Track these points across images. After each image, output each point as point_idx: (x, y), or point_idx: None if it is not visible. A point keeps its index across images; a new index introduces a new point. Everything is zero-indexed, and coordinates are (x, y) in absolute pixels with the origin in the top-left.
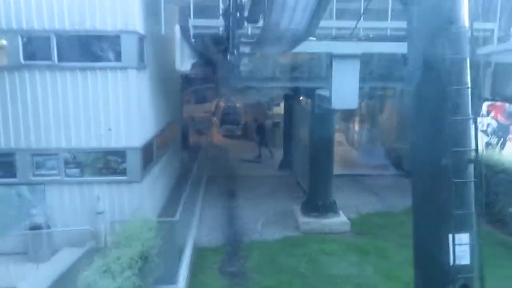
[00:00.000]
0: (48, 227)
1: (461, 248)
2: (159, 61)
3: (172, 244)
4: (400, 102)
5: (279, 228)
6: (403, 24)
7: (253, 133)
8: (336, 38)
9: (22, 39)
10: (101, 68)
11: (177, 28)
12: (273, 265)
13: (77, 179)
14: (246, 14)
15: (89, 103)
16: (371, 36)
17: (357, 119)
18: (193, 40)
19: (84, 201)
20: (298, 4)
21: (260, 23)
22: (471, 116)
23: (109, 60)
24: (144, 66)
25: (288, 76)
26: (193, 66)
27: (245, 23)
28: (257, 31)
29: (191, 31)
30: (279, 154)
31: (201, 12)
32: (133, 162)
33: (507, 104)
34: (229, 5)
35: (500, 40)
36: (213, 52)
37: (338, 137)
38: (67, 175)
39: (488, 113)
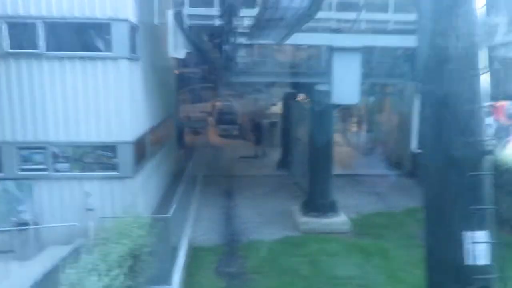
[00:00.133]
0: (36, 224)
1: (478, 247)
2: (153, 54)
3: (166, 243)
4: (399, 100)
5: (278, 228)
6: (405, 16)
7: (249, 133)
8: (336, 31)
9: (7, 26)
10: (91, 58)
11: (169, 13)
12: (273, 266)
13: (66, 174)
14: None
15: (78, 94)
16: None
17: (355, 119)
18: (187, 26)
19: (74, 198)
20: None
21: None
22: (485, 104)
23: (99, 50)
24: (136, 57)
25: (286, 71)
26: (189, 64)
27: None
28: (254, 22)
29: (186, 21)
30: (276, 154)
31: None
32: (125, 157)
33: (507, 104)
34: None
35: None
36: (209, 48)
37: (336, 137)
38: (55, 170)
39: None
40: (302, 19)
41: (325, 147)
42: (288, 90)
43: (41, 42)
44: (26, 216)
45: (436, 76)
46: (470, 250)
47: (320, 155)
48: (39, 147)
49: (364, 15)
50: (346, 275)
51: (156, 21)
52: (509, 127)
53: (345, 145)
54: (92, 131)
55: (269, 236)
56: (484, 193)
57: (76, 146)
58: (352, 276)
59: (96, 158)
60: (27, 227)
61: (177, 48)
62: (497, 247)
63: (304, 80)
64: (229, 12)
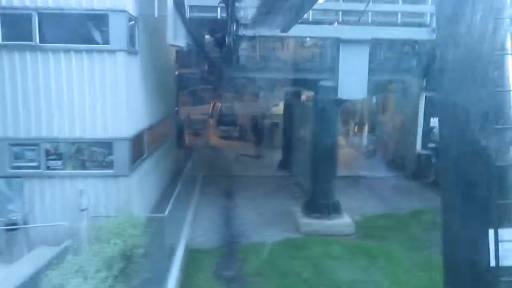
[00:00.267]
0: (26, 224)
1: (504, 246)
2: (153, 50)
3: (161, 244)
4: (404, 99)
5: (279, 230)
6: (414, 8)
7: (250, 134)
8: (343, 23)
9: (0, 17)
10: (87, 51)
11: (170, 1)
12: (274, 269)
13: (59, 172)
14: None
15: (73, 88)
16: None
17: (357, 119)
18: (188, 18)
19: (67, 197)
20: None
21: None
22: None
23: (96, 42)
24: (135, 51)
25: (290, 67)
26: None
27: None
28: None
29: (187, 12)
30: (277, 155)
31: None
32: (121, 154)
33: None
34: None
35: None
36: (210, 43)
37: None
38: (48, 168)
39: None
40: (308, 4)
41: (329, 146)
42: (291, 89)
43: (36, 33)
44: (16, 216)
45: (457, 54)
46: (496, 249)
47: (323, 154)
48: (32, 144)
49: (372, 6)
50: (350, 278)
51: (156, 14)
52: None
53: (347, 146)
54: (87, 127)
55: (270, 238)
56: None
57: (70, 142)
58: (357, 280)
59: (91, 155)
60: (15, 227)
61: (176, 36)
62: None
63: (308, 76)
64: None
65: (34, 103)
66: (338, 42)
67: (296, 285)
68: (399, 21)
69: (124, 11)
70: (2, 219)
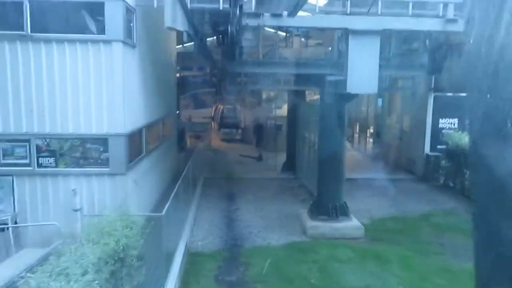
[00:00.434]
0: (16, 224)
1: None
2: (153, 46)
3: (159, 245)
4: (411, 98)
5: (284, 233)
6: None
7: (252, 136)
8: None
9: None
10: (81, 41)
11: None
12: (280, 274)
13: (51, 170)
14: None
15: (66, 80)
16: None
17: (362, 122)
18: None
19: (59, 196)
20: None
21: None
22: None
23: (91, 32)
24: (132, 43)
25: (295, 62)
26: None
27: None
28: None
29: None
30: (281, 158)
31: None
32: (117, 151)
33: None
34: None
35: None
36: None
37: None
38: (39, 165)
39: None
40: None
41: (336, 145)
42: (295, 87)
43: (27, 22)
44: (5, 216)
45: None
46: None
47: (330, 154)
48: (22, 140)
49: None
50: (361, 284)
51: (155, 4)
52: None
53: (353, 149)
54: (81, 122)
55: (274, 242)
56: None
57: (63, 138)
58: (369, 285)
59: (85, 152)
60: (3, 226)
61: (175, 19)
62: None
63: (314, 71)
64: None
65: (24, 96)
66: (347, 33)
67: None
68: (410, 13)
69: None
70: None
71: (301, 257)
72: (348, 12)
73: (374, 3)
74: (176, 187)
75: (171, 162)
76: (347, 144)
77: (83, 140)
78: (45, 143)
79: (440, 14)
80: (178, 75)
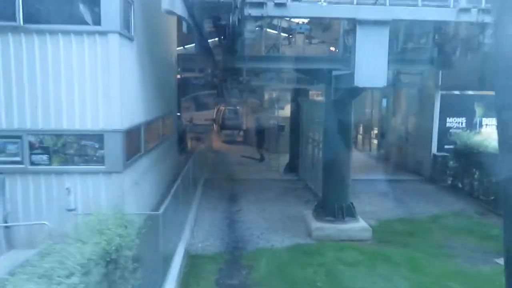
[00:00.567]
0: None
1: None
2: (152, 40)
3: (156, 246)
4: (418, 97)
5: (288, 235)
6: None
7: (254, 137)
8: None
9: None
10: (76, 32)
11: None
12: (284, 277)
13: (44, 168)
14: None
15: (60, 74)
16: None
17: (367, 122)
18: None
19: (53, 195)
20: None
21: None
22: None
23: (86, 23)
24: (130, 36)
25: (299, 57)
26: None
27: None
28: None
29: None
30: (283, 159)
31: None
32: (113, 148)
33: None
34: None
35: None
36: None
37: None
38: (32, 163)
39: None
40: None
41: (342, 143)
42: (298, 86)
43: (19, 13)
44: None
45: None
46: None
47: (336, 152)
48: (14, 136)
49: None
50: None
51: None
52: None
53: (357, 150)
54: (75, 118)
55: (278, 244)
56: None
57: (57, 135)
58: None
59: (80, 149)
60: None
61: (173, 2)
62: None
63: (319, 66)
64: None
65: (16, 90)
66: (354, 23)
67: None
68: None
69: None
70: None
71: (307, 260)
72: (355, 2)
73: None
74: (175, 185)
75: (172, 163)
76: (353, 145)
77: (78, 136)
78: (38, 139)
79: (451, 6)
80: (179, 76)
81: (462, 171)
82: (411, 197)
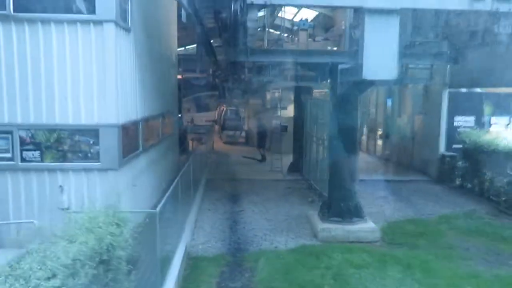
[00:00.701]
0: None
1: None
2: (151, 34)
3: (153, 247)
4: (424, 94)
5: (293, 236)
6: None
7: (255, 137)
8: None
9: None
10: (69, 21)
11: None
12: (289, 280)
13: (36, 165)
14: None
15: (53, 65)
16: None
17: (371, 123)
18: None
19: (45, 193)
20: None
21: None
22: None
23: (80, 11)
24: (127, 26)
25: (304, 51)
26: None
27: None
28: None
29: None
30: (286, 160)
31: None
32: (109, 144)
33: None
34: None
35: None
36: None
37: None
38: (23, 160)
39: None
40: None
41: (349, 141)
42: (302, 83)
43: (9, 1)
44: None
45: None
46: None
47: (342, 149)
48: (4, 131)
49: None
50: None
51: None
52: None
53: (362, 150)
54: (69, 112)
55: (282, 245)
56: None
57: (49, 129)
58: None
59: (74, 145)
60: None
61: None
62: None
63: (325, 60)
64: None
65: (6, 83)
66: (362, 12)
67: None
68: None
69: None
70: None
71: (313, 262)
72: None
73: None
74: (174, 182)
75: (172, 164)
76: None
77: (72, 131)
78: (30, 134)
79: None
80: (180, 77)
81: (471, 171)
82: (419, 197)
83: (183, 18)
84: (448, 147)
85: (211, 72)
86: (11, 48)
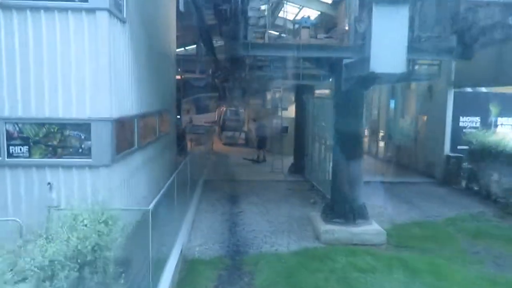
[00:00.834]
0: None
1: None
2: (148, 27)
3: (145, 247)
4: (428, 94)
5: (294, 238)
6: None
7: (255, 138)
8: None
9: None
10: (60, 9)
11: None
12: (291, 285)
13: (23, 161)
14: None
15: (42, 55)
16: None
17: (373, 124)
18: None
19: (33, 191)
20: None
21: None
22: None
23: None
24: (122, 17)
25: (307, 45)
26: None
27: None
28: None
29: None
30: (286, 161)
31: None
32: (101, 139)
33: None
34: None
35: None
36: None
37: None
38: (10, 155)
39: None
40: None
41: (354, 139)
42: (304, 81)
43: None
44: None
45: None
46: None
47: (347, 148)
48: None
49: None
50: None
51: None
52: None
53: (364, 151)
54: (59, 104)
55: (283, 248)
56: None
57: (38, 123)
58: None
59: (64, 140)
60: None
61: None
62: None
63: (329, 54)
64: None
65: None
66: (370, 1)
67: None
68: None
69: None
70: None
71: (316, 266)
72: None
73: None
74: (170, 180)
75: (170, 164)
76: None
77: (62, 125)
78: (17, 128)
79: None
80: (179, 77)
81: (478, 172)
82: (425, 199)
83: (181, 6)
84: (453, 148)
85: (210, 72)
86: None
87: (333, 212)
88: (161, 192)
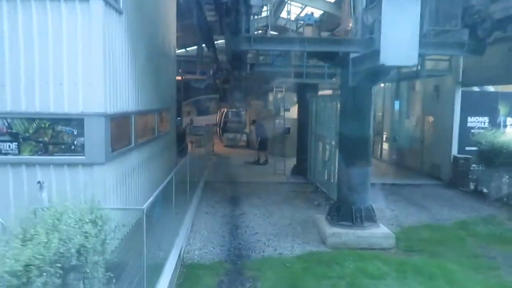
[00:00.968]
0: None
1: None
2: (146, 20)
3: (138, 250)
4: (435, 93)
5: (299, 241)
6: None
7: (256, 139)
8: None
9: None
10: None
11: None
12: None
13: (12, 158)
14: None
15: (33, 46)
16: None
17: (377, 126)
18: None
19: (23, 190)
20: None
21: None
22: None
23: None
24: (118, 7)
25: (312, 38)
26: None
27: None
28: None
29: None
30: (289, 162)
31: None
32: (95, 135)
33: None
34: None
35: None
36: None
37: None
38: None
39: None
40: None
41: (361, 137)
42: (307, 81)
43: None
44: None
45: None
46: None
47: (354, 146)
48: None
49: None
50: None
51: None
52: None
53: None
54: (50, 99)
55: (287, 251)
56: None
57: (28, 119)
58: None
59: (55, 136)
60: None
61: None
62: None
63: (335, 49)
64: None
65: None
66: None
67: None
68: None
69: None
70: None
71: (323, 271)
72: None
73: None
74: (167, 179)
75: (169, 164)
76: None
77: (53, 120)
78: (6, 124)
79: None
80: (180, 78)
81: (488, 174)
82: (432, 202)
83: None
84: (460, 149)
85: (211, 73)
86: None
87: (339, 214)
88: (157, 190)
